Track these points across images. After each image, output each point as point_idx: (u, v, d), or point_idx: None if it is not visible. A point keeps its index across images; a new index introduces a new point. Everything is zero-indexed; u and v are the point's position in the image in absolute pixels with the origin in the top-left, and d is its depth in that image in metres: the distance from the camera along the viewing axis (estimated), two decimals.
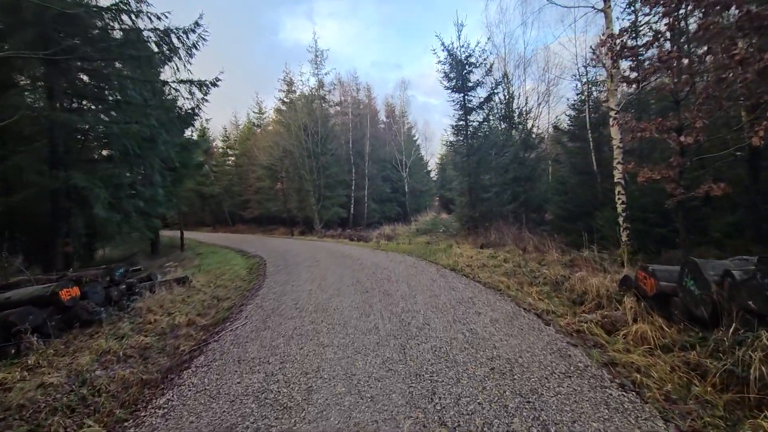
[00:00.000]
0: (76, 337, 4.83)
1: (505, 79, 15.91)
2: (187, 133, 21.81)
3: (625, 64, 8.41)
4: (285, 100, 30.62)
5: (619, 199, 7.62)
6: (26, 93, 9.19)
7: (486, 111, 13.05)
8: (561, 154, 18.20)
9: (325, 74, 28.81)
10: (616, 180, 7.64)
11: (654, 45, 6.54)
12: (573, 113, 13.96)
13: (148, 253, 20.56)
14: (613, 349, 3.46)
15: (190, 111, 11.81)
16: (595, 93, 12.50)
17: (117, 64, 10.39)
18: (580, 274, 5.42)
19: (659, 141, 9.20)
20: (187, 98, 12.16)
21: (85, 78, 10.63)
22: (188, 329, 5.44)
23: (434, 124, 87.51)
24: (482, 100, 12.80)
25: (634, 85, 8.06)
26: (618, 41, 6.82)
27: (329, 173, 25.67)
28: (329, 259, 10.55)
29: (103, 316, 5.18)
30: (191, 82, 12.48)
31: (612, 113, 7.56)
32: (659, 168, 6.48)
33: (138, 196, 11.70)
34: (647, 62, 7.08)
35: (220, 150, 41.96)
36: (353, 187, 28.11)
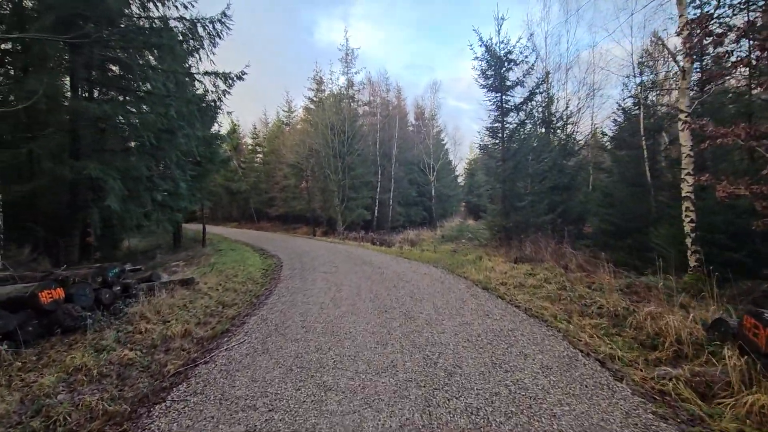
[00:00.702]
0: (53, 346, 4.25)
1: (546, 80, 14.76)
2: (214, 128, 21.83)
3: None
4: (314, 99, 30.36)
5: (687, 216, 6.47)
6: (45, 79, 8.93)
7: (525, 113, 11.98)
8: (604, 161, 16.81)
9: (355, 73, 28.33)
10: (684, 194, 6.50)
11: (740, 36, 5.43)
12: (621, 118, 12.68)
13: (170, 246, 20.57)
14: (720, 429, 2.49)
15: (211, 103, 11.36)
16: (651, 96, 11.23)
17: (141, 53, 10.07)
18: (648, 309, 4.38)
19: (730, 150, 7.95)
20: (212, 91, 11.83)
21: (112, 68, 10.43)
22: (182, 341, 4.80)
23: (464, 128, 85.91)
24: (522, 100, 11.75)
25: (708, 85, 6.91)
26: (697, 31, 5.73)
27: (354, 174, 25.05)
28: (348, 266, 9.81)
29: (89, 322, 4.60)
30: (216, 74, 12.08)
31: (682, 116, 6.43)
32: (744, 181, 5.35)
33: (156, 189, 11.36)
34: (728, 56, 5.96)
35: (249, 147, 42.33)
36: (378, 189, 27.39)
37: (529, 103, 11.95)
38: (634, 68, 11.30)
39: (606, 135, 12.38)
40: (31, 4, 9.66)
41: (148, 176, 11.25)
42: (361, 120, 29.00)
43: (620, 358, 3.59)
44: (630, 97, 11.60)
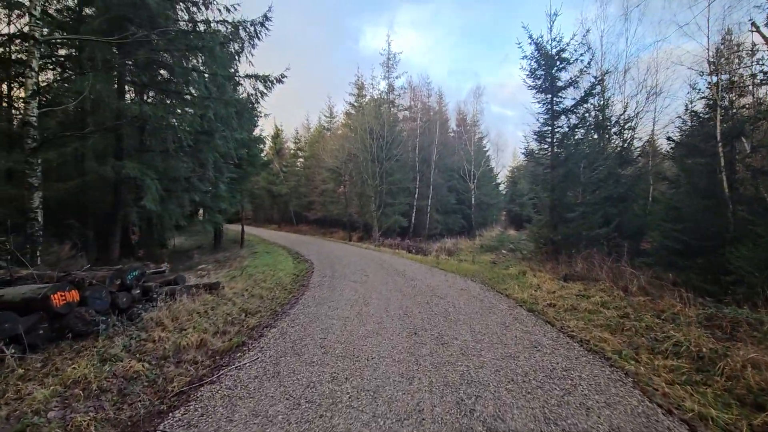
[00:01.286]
0: (62, 351, 4.05)
1: (601, 81, 13.54)
2: (256, 131, 22.27)
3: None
4: (354, 104, 30.38)
5: None
6: (91, 80, 9.23)
7: (577, 117, 10.93)
8: (666, 170, 15.18)
9: (396, 78, 28.03)
10: None
11: None
12: (689, 123, 11.27)
13: (211, 246, 21.11)
14: None
15: (249, 106, 11.35)
16: (727, 98, 9.85)
17: (185, 56, 10.21)
18: (746, 354, 3.47)
19: None
20: (251, 93, 11.86)
21: (159, 71, 10.70)
22: (196, 353, 4.46)
23: (507, 135, 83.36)
24: (574, 102, 10.71)
25: None
26: None
27: (392, 179, 24.61)
28: (379, 275, 9.28)
29: (102, 327, 4.39)
30: (256, 76, 12.13)
31: None
32: None
33: (195, 190, 11.49)
34: None
35: (291, 151, 43.24)
36: (416, 196, 26.75)
37: (583, 106, 10.89)
38: (709, 65, 9.95)
39: (672, 141, 11.00)
40: (89, 12, 10.12)
41: (186, 177, 11.42)
42: (400, 125, 28.61)
43: (715, 420, 2.77)
44: (702, 98, 10.23)
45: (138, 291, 5.30)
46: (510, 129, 75.71)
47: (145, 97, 10.94)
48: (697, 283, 8.46)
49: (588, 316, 5.49)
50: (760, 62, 9.26)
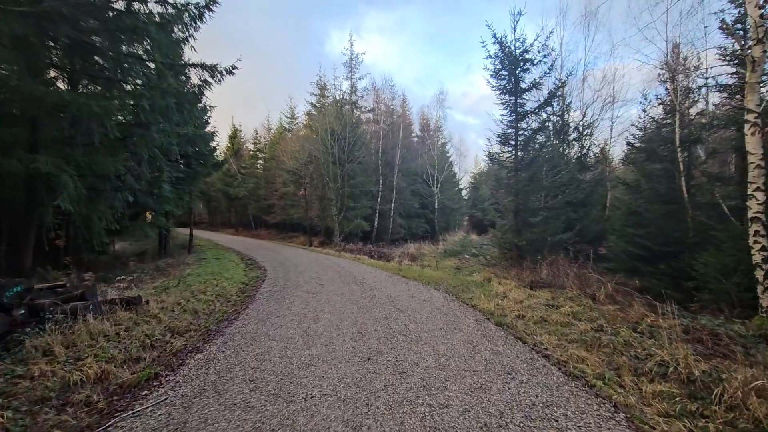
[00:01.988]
0: None
1: (561, 88, 13.57)
2: (209, 129, 20.72)
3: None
4: (316, 104, 29.36)
5: (756, 243, 5.13)
6: None
7: (543, 118, 10.73)
8: (624, 176, 15.50)
9: (359, 79, 27.33)
10: (752, 215, 5.17)
11: None
12: (649, 128, 11.42)
13: (155, 252, 19.31)
14: None
15: (192, 98, 10.16)
16: (686, 103, 9.98)
17: (115, 36, 8.95)
18: (746, 379, 3.03)
19: None
20: (198, 85, 10.69)
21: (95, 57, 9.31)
22: (91, 391, 3.49)
23: (469, 142, 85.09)
24: (540, 103, 10.49)
25: None
26: None
27: (354, 182, 23.81)
28: (335, 284, 8.48)
29: None
30: (203, 66, 11.00)
31: (750, 117, 5.17)
32: None
33: (126, 189, 10.13)
34: None
35: (251, 152, 41.35)
36: (379, 200, 26.10)
37: (546, 109, 10.71)
38: (667, 67, 10.04)
39: (632, 145, 11.07)
40: None
41: (118, 175, 10.07)
42: (363, 127, 27.93)
43: None
44: (661, 103, 10.34)
45: (22, 311, 4.20)
46: (472, 137, 77.25)
47: (76, 85, 9.52)
48: (659, 289, 8.36)
49: (560, 330, 5.00)
50: (705, 75, 9.47)
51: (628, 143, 11.48)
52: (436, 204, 32.27)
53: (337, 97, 26.67)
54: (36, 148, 8.60)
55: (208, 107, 18.46)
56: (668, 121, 10.01)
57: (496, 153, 11.48)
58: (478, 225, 43.99)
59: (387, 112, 30.14)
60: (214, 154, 21.66)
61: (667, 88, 9.92)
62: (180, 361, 4.16)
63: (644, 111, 11.21)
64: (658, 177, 9.53)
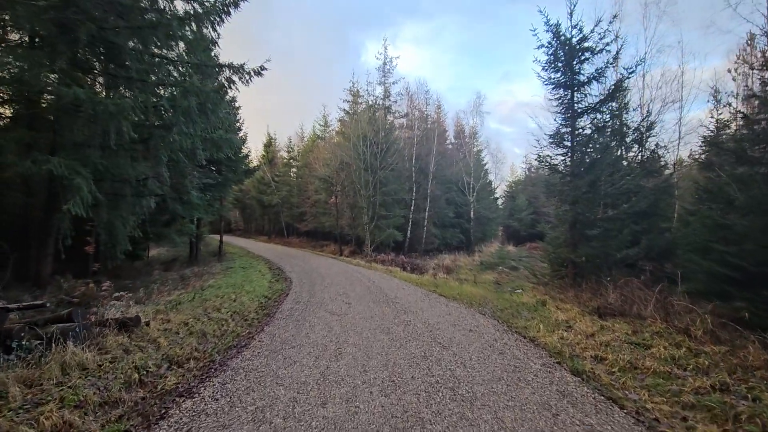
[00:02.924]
0: None
1: (628, 77, 11.98)
2: (241, 135, 20.50)
3: None
4: (348, 110, 28.81)
5: None
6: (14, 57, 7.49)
7: (601, 117, 9.29)
8: (700, 182, 13.56)
9: (393, 83, 26.48)
10: None
11: None
12: (737, 123, 9.70)
13: (185, 260, 19.13)
14: None
15: (219, 99, 9.56)
16: None
17: (140, 34, 8.53)
18: None
19: None
20: (223, 86, 10.16)
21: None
22: None
23: (505, 150, 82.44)
24: (601, 98, 9.07)
25: None
26: None
27: (386, 189, 22.83)
28: (364, 303, 7.45)
29: None
30: (230, 66, 10.52)
31: None
32: None
33: (149, 195, 9.64)
34: None
35: (284, 160, 41.53)
36: (413, 208, 24.94)
37: (608, 105, 9.25)
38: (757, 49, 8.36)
39: (718, 147, 9.37)
40: None
41: (140, 179, 9.62)
42: (396, 132, 27.01)
43: None
44: (752, 96, 8.64)
45: None
46: (507, 145, 74.76)
47: (93, 84, 9.21)
48: (759, 321, 6.72)
49: (663, 385, 3.68)
50: None
51: (708, 142, 9.76)
52: (472, 213, 30.71)
53: (370, 102, 25.96)
54: (55, 150, 8.23)
55: (238, 114, 18.27)
56: (764, 116, 8.29)
57: (547, 156, 10.13)
58: (514, 236, 41.81)
59: (421, 118, 29.09)
60: (246, 161, 21.43)
61: (762, 78, 8.23)
62: (163, 410, 3.25)
63: (726, 105, 9.50)
64: (756, 183, 7.83)
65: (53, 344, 3.88)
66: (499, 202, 43.81)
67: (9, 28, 8.02)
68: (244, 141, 19.64)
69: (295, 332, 5.52)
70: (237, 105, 18.79)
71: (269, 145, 42.62)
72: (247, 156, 21.27)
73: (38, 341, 3.81)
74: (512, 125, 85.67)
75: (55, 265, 10.11)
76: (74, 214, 7.01)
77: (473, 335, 5.27)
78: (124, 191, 9.20)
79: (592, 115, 9.23)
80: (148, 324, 5.28)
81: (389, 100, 26.45)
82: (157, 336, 5.06)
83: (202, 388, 3.66)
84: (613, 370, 4.10)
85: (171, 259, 19.26)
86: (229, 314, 6.76)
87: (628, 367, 4.18)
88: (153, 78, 8.45)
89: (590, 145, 9.17)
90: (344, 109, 28.90)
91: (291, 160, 40.63)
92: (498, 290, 14.14)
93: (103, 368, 3.98)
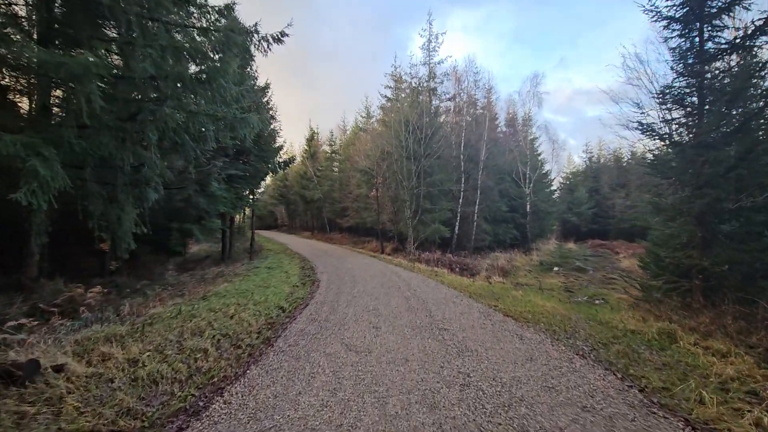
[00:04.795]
0: None
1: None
2: (273, 126, 19.04)
3: None
4: (390, 97, 26.61)
5: None
6: None
7: (750, 62, 6.34)
8: None
9: (438, 63, 23.81)
10: None
11: None
12: None
13: (218, 256, 18.07)
14: None
15: (220, 62, 7.80)
16: None
17: None
18: None
19: None
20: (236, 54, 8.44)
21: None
22: None
23: (561, 142, 75.99)
24: (752, 30, 6.13)
25: None
26: None
27: (431, 180, 20.41)
28: (399, 332, 5.28)
29: None
30: (246, 30, 8.85)
31: None
32: None
33: (145, 183, 8.14)
34: None
35: (327, 154, 40.32)
36: (461, 200, 22.31)
37: (759, 39, 6.27)
38: None
39: None
40: None
41: (135, 165, 8.15)
42: (443, 117, 24.38)
43: None
44: None
45: None
46: (562, 137, 68.67)
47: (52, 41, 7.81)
48: None
49: None
50: None
51: None
52: (528, 207, 27.40)
53: (414, 85, 23.54)
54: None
55: (267, 93, 16.77)
56: None
57: (652, 124, 7.29)
58: (574, 231, 37.54)
59: (470, 102, 26.18)
60: (280, 152, 19.91)
61: None
62: None
63: None
64: None
65: None
66: (555, 195, 39.49)
67: None
68: (275, 131, 18.07)
69: (282, 389, 3.48)
70: (264, 84, 17.26)
71: (311, 139, 41.62)
72: (281, 147, 19.78)
73: None
74: (568, 115, 78.93)
75: (54, 266, 9.03)
76: (27, 204, 5.50)
77: (589, 417, 2.90)
78: (116, 180, 7.78)
79: (732, 57, 6.31)
80: (60, 369, 3.47)
81: (434, 81, 23.86)
82: (67, 392, 3.24)
83: None
84: None
85: (204, 257, 18.31)
86: (212, 341, 4.90)
87: None
88: (137, 37, 6.79)
89: (730, 105, 6.25)
90: (386, 96, 26.75)
91: (333, 154, 39.32)
92: (573, 300, 11.38)
93: None
